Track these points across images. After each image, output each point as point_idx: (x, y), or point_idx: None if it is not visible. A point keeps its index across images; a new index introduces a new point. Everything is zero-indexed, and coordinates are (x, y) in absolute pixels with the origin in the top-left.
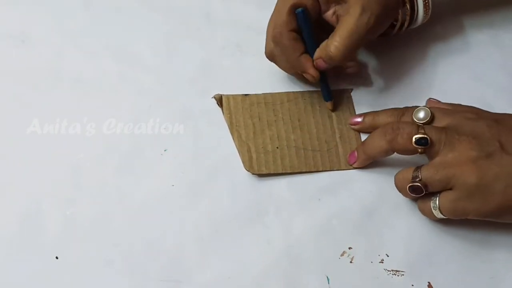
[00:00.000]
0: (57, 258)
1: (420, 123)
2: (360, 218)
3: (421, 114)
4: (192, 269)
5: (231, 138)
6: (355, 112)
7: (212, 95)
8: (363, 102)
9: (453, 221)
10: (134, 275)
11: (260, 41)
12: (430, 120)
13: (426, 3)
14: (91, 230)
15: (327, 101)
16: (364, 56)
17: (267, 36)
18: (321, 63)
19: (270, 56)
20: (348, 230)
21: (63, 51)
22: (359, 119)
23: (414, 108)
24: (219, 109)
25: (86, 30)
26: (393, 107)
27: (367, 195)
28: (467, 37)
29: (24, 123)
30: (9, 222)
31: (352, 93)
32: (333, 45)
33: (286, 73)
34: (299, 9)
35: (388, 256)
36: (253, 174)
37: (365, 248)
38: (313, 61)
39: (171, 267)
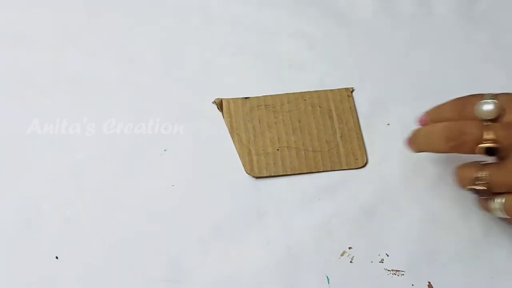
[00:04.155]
0: (57, 258)
1: (487, 119)
2: (360, 218)
3: (486, 107)
4: (192, 269)
5: (231, 138)
6: (356, 112)
7: (212, 96)
8: (364, 102)
9: (453, 220)
10: (134, 275)
11: (260, 41)
12: (498, 116)
13: None
14: (91, 230)
15: None
16: (364, 55)
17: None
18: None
19: None
20: (348, 230)
21: (63, 51)
22: (424, 117)
23: (478, 98)
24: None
25: (86, 30)
26: (394, 106)
27: (367, 195)
28: (468, 36)
29: (24, 123)
30: (9, 222)
31: (352, 93)
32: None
33: (286, 73)
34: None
35: (388, 256)
36: (253, 177)
37: (365, 248)
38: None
39: (171, 267)
